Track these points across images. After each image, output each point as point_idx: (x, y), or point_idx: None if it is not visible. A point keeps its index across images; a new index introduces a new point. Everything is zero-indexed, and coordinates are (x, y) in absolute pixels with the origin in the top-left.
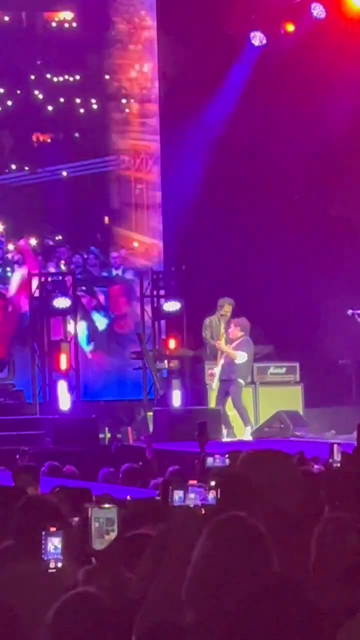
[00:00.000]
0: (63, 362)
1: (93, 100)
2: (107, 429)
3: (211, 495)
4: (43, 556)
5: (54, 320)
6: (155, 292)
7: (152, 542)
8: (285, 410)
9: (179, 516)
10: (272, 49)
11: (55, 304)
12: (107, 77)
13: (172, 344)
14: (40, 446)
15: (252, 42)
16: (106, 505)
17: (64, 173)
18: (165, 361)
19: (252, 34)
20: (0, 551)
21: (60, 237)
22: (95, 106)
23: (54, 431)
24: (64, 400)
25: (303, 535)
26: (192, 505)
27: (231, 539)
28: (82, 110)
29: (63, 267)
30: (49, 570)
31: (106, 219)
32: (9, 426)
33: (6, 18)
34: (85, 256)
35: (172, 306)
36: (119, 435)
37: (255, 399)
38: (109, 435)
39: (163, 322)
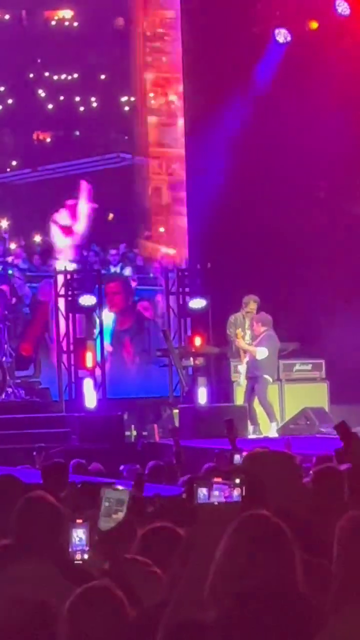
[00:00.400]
0: (89, 360)
1: (93, 99)
2: (132, 426)
3: (236, 492)
4: (69, 548)
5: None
6: (180, 290)
7: (182, 543)
8: (311, 407)
9: (203, 514)
10: (297, 45)
11: (82, 302)
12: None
13: (197, 341)
14: (67, 444)
15: (277, 39)
16: (119, 487)
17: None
18: (191, 358)
19: (276, 31)
20: None
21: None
22: (95, 104)
23: (80, 429)
24: (90, 397)
25: (319, 535)
26: (216, 503)
27: (254, 537)
28: (82, 108)
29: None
30: (75, 562)
31: (110, 215)
32: (35, 424)
33: (6, 17)
34: (85, 253)
35: (197, 303)
36: (144, 433)
37: (281, 395)
38: (134, 432)
39: (189, 319)
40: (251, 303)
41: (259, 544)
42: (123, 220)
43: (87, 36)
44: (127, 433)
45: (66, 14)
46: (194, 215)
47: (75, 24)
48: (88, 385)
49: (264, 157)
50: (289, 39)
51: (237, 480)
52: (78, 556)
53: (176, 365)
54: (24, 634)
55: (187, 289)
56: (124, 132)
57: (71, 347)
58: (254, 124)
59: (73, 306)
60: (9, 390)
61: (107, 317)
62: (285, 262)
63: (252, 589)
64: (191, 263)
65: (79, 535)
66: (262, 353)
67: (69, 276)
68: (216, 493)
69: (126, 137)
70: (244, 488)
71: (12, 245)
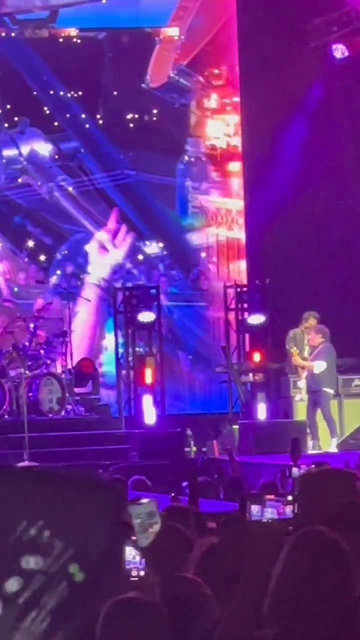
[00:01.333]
0: (148, 376)
1: (98, 116)
2: (192, 442)
3: (289, 509)
4: (124, 565)
5: None
6: (239, 306)
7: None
8: None
9: (256, 530)
10: (354, 61)
11: (140, 318)
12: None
13: (256, 357)
14: (127, 460)
15: (334, 54)
16: (143, 501)
17: (70, 188)
18: (250, 374)
19: (334, 47)
20: None
21: (66, 252)
22: (100, 121)
23: (140, 445)
24: (150, 414)
25: None
26: (269, 520)
27: (312, 554)
28: (87, 126)
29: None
30: (131, 579)
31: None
32: (96, 441)
33: (12, 34)
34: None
35: (256, 319)
36: (204, 449)
37: (340, 411)
38: (194, 448)
39: (247, 335)
40: (311, 319)
41: (317, 560)
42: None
43: (92, 53)
44: (187, 449)
45: (72, 31)
46: (252, 231)
47: (79, 40)
48: (147, 401)
49: (322, 172)
50: (346, 54)
51: (290, 498)
52: (134, 572)
53: (235, 381)
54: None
55: (245, 305)
56: (128, 149)
57: (131, 364)
58: (312, 138)
59: (132, 322)
60: (69, 407)
61: None
62: (344, 278)
63: (312, 606)
64: (250, 279)
65: (132, 552)
66: (319, 366)
67: (127, 293)
68: (269, 510)
69: (130, 154)
70: (296, 505)
71: None
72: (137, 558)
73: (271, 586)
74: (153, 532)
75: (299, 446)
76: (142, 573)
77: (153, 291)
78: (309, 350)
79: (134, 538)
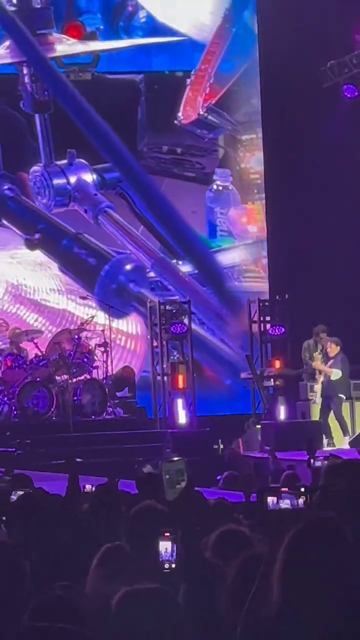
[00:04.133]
0: (181, 381)
1: (136, 149)
2: (220, 440)
3: (301, 500)
4: (158, 558)
5: None
6: (262, 318)
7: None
8: None
9: (272, 519)
10: None
11: (174, 330)
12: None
13: (277, 364)
14: (161, 457)
15: (345, 94)
16: (175, 459)
17: (112, 213)
18: (272, 380)
19: (345, 87)
20: (109, 549)
21: (109, 271)
22: (138, 154)
23: (173, 443)
24: (182, 415)
25: None
26: (283, 509)
27: (313, 536)
28: (127, 158)
29: None
30: (164, 571)
31: None
32: (133, 440)
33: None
34: None
35: (276, 330)
36: (231, 446)
37: (352, 412)
38: (222, 446)
39: (269, 345)
40: (320, 332)
41: (315, 541)
42: None
43: (130, 94)
44: (215, 446)
45: (112, 74)
46: (275, 252)
47: (118, 82)
48: (180, 404)
49: (340, 198)
50: (356, 93)
51: (302, 489)
52: (167, 565)
53: (258, 386)
54: (146, 622)
55: (267, 318)
56: (163, 178)
57: (165, 371)
58: (329, 166)
59: (166, 334)
60: (109, 409)
61: None
62: (355, 292)
63: (315, 586)
64: (271, 294)
65: (166, 547)
66: (336, 374)
67: (162, 307)
68: (284, 501)
69: (165, 183)
70: (308, 496)
71: None
72: (169, 552)
73: (277, 563)
74: (180, 488)
75: (312, 444)
76: (174, 565)
77: (185, 306)
78: (323, 359)
79: (166, 534)
